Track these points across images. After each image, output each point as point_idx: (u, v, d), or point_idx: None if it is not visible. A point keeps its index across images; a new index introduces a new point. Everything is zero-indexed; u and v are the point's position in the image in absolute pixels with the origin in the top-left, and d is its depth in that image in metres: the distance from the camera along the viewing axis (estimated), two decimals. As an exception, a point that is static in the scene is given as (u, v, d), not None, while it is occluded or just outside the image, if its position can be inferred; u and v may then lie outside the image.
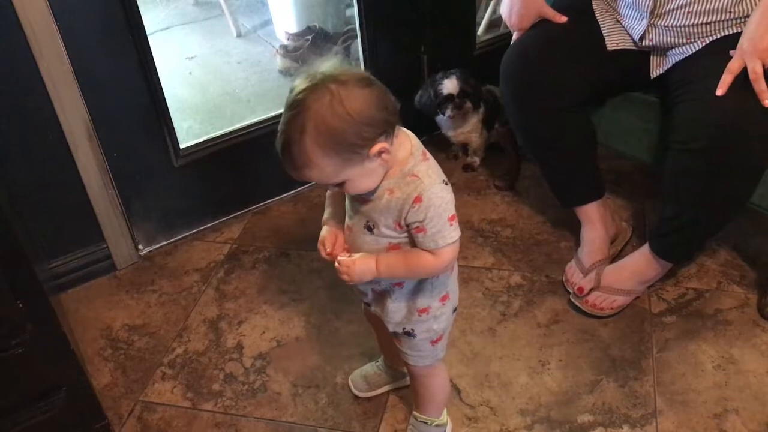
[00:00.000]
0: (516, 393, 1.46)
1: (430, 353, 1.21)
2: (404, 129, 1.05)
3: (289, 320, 1.68)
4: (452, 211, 1.02)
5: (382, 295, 1.16)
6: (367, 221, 1.06)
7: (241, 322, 1.68)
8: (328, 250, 1.11)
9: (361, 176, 0.99)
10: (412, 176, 1.01)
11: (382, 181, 1.02)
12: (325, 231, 1.14)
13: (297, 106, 0.94)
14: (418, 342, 1.18)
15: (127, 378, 1.57)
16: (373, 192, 1.03)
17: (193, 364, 1.59)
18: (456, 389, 1.46)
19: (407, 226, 1.02)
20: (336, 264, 1.07)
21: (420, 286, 1.12)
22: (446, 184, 1.02)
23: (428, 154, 1.04)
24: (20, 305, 1.12)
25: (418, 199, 0.99)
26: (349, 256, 1.07)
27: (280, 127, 0.96)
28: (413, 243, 1.05)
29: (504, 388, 1.47)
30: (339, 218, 1.13)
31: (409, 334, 1.17)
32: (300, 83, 0.96)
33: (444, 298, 1.15)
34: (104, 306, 1.76)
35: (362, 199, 1.05)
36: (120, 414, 1.49)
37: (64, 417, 1.27)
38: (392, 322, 1.17)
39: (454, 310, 1.19)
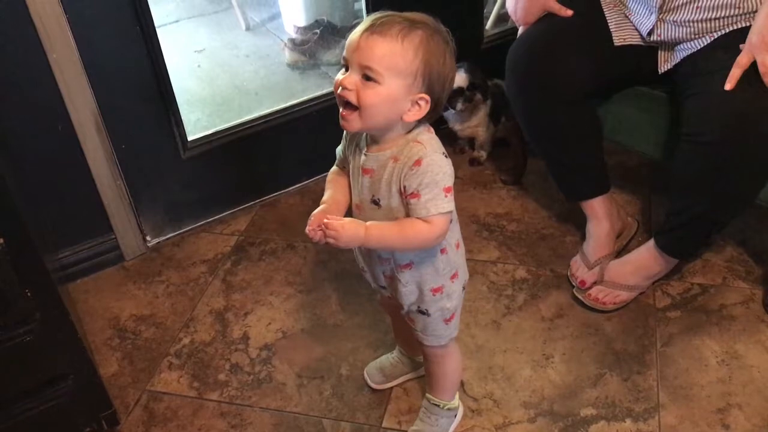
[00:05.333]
0: (519, 386, 1.47)
1: (443, 332, 1.22)
2: None
3: (294, 312, 1.69)
4: (449, 183, 1.03)
5: (392, 279, 1.17)
6: (373, 195, 1.08)
7: (248, 314, 1.69)
8: (310, 227, 1.05)
9: (387, 97, 0.99)
10: (415, 142, 1.04)
11: (386, 147, 1.05)
12: (318, 209, 1.10)
13: (431, 24, 1.01)
14: (432, 321, 1.20)
15: (134, 367, 1.58)
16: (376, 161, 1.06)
17: (199, 354, 1.60)
18: (460, 382, 1.47)
19: (404, 190, 1.03)
20: (323, 226, 1.02)
21: (429, 266, 1.13)
22: (447, 157, 1.05)
23: (431, 128, 1.08)
24: (29, 294, 1.14)
25: (417, 162, 1.02)
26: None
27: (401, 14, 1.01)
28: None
29: (507, 381, 1.48)
30: (337, 201, 1.13)
31: (423, 312, 1.19)
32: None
33: (454, 276, 1.16)
34: (112, 296, 1.78)
35: (366, 170, 1.07)
36: (127, 403, 1.50)
37: (71, 405, 1.28)
38: (406, 303, 1.19)
39: (464, 288, 1.21)
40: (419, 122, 1.05)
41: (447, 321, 1.21)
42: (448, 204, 1.04)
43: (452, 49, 1.02)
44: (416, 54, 0.99)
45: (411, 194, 1.03)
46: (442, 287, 1.16)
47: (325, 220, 1.03)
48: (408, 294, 1.17)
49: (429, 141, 1.04)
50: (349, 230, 1.03)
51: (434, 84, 1.01)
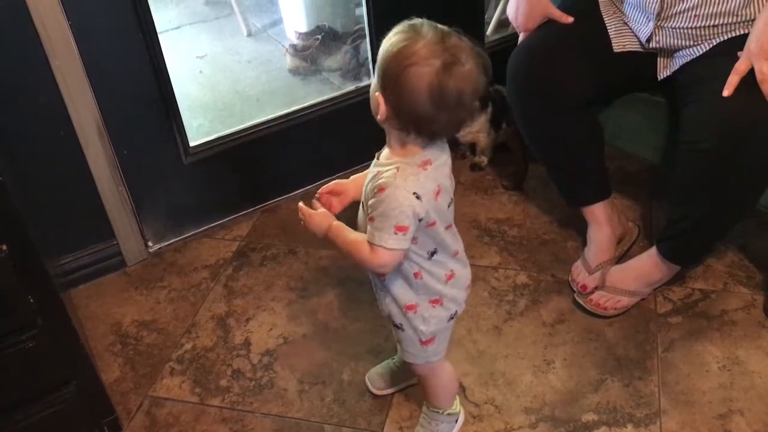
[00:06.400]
0: (521, 392, 1.47)
1: (419, 353, 1.22)
2: (443, 143, 1.09)
3: (296, 317, 1.69)
4: (404, 222, 1.02)
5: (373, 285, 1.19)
6: (365, 197, 1.10)
7: (249, 319, 1.70)
8: (320, 191, 1.18)
9: (372, 87, 1.04)
10: (396, 168, 1.03)
11: (389, 156, 1.06)
12: (338, 180, 1.19)
13: (430, 40, 1.01)
14: (405, 337, 1.20)
15: (136, 373, 1.59)
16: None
17: (201, 360, 1.61)
18: (461, 387, 1.47)
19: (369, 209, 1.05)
20: (299, 207, 1.14)
21: (403, 282, 1.13)
22: (418, 198, 1.02)
23: (429, 167, 1.05)
24: (31, 300, 1.14)
25: (381, 189, 1.02)
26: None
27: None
28: None
29: (509, 387, 1.48)
30: (357, 183, 1.17)
31: (397, 326, 1.19)
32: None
33: (435, 302, 1.16)
34: (114, 302, 1.78)
35: (371, 174, 1.10)
36: (129, 409, 1.50)
37: (73, 411, 1.29)
38: (384, 312, 1.20)
39: (452, 317, 1.19)
40: (424, 148, 1.05)
41: (423, 344, 1.19)
42: (394, 242, 1.03)
43: (439, 70, 0.97)
44: (382, 53, 1.01)
45: (369, 216, 1.05)
46: (416, 307, 1.15)
47: (300, 204, 1.14)
48: (383, 304, 1.18)
49: (406, 174, 1.03)
50: (315, 220, 1.13)
51: (387, 87, 1.00)
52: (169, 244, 1.94)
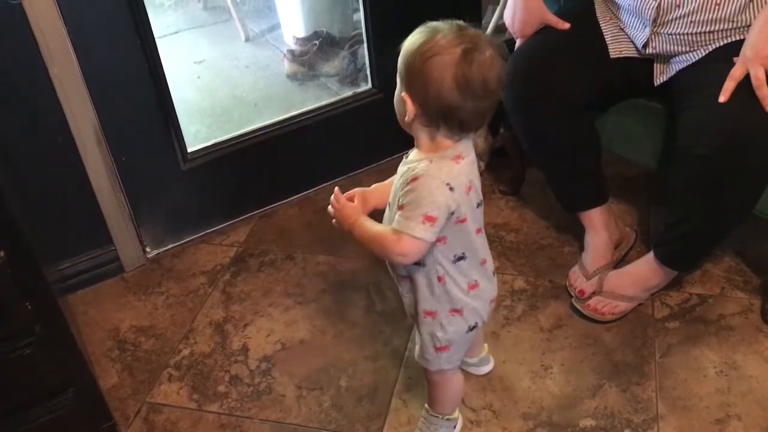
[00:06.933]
0: (518, 397, 1.47)
1: (433, 359, 1.22)
2: (471, 140, 1.09)
3: (294, 323, 1.69)
4: (433, 213, 1.02)
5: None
6: (393, 195, 1.11)
7: (247, 325, 1.70)
8: (349, 194, 1.17)
9: (397, 92, 1.05)
10: (429, 161, 1.04)
11: (415, 157, 1.07)
12: (366, 188, 1.20)
13: (446, 37, 1.02)
14: (423, 339, 1.20)
15: (134, 379, 1.59)
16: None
17: (199, 365, 1.60)
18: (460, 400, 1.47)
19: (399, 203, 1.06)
20: (334, 193, 1.14)
21: (425, 287, 1.14)
22: (451, 189, 1.03)
23: (462, 161, 1.05)
24: (29, 306, 1.14)
25: (414, 179, 1.03)
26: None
27: None
28: None
29: (506, 392, 1.48)
30: (386, 188, 1.17)
31: (417, 329, 1.21)
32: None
33: (455, 311, 1.16)
34: (112, 308, 1.78)
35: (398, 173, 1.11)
36: (126, 415, 1.50)
37: (71, 417, 1.28)
38: (408, 312, 1.22)
39: (471, 328, 1.19)
40: (455, 142, 1.05)
41: (437, 350, 1.20)
42: (421, 231, 1.03)
43: (460, 57, 0.98)
44: (402, 53, 1.02)
45: (399, 206, 1.05)
46: (437, 313, 1.16)
47: (337, 189, 1.13)
48: (407, 304, 1.20)
49: (440, 165, 1.04)
50: (346, 211, 1.13)
51: (412, 83, 1.01)
52: (167, 250, 1.94)
